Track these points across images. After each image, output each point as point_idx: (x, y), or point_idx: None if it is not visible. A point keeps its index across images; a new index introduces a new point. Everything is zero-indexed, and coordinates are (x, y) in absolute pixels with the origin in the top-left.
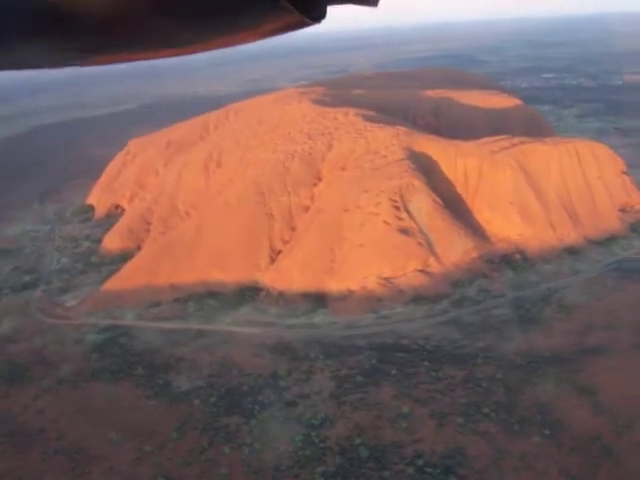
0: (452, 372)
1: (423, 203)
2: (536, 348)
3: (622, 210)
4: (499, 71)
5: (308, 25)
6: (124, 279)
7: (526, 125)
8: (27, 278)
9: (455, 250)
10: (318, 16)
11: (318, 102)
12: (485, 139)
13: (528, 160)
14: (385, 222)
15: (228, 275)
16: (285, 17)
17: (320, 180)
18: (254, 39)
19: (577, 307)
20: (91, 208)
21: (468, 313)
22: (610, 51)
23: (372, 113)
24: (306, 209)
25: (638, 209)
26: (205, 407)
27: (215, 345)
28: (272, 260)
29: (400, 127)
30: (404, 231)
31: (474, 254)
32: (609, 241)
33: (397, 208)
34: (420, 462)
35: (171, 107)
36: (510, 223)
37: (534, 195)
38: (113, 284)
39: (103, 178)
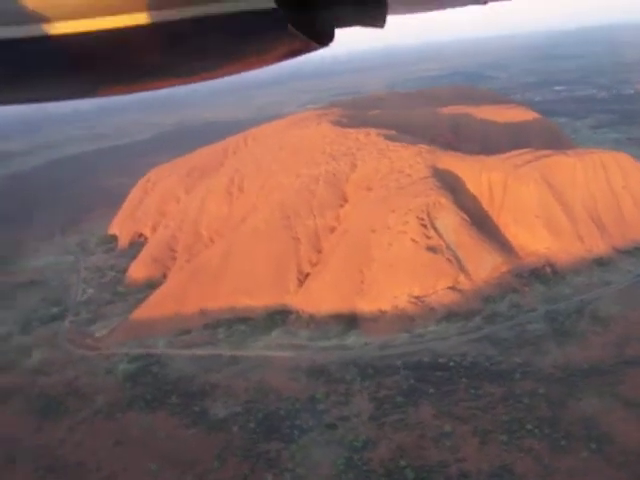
0: (491, 389)
1: (450, 220)
2: (574, 361)
3: None
4: (509, 86)
5: (316, 49)
6: (152, 307)
7: (545, 138)
8: (55, 310)
9: (484, 266)
10: (326, 40)
11: (337, 123)
12: (509, 153)
13: (553, 173)
14: (413, 240)
15: (256, 300)
16: (293, 42)
17: (345, 201)
18: (263, 65)
19: (612, 318)
20: (114, 238)
21: (502, 329)
22: (619, 61)
23: (393, 133)
24: (332, 230)
25: None
26: (244, 433)
27: (249, 370)
28: (300, 283)
29: (422, 145)
30: (432, 249)
31: (503, 269)
32: (638, 251)
33: (424, 226)
34: None
35: (183, 136)
36: (537, 236)
37: (560, 207)
38: (142, 313)
39: (125, 207)
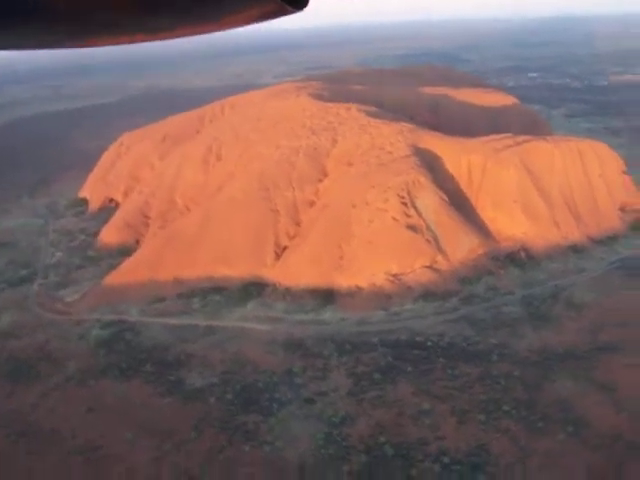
0: (468, 369)
1: (430, 200)
2: (549, 345)
3: (621, 209)
4: (483, 70)
5: (291, 13)
6: (126, 273)
7: (523, 124)
8: (23, 272)
9: (461, 247)
10: (300, 4)
11: (317, 97)
12: (488, 137)
13: (531, 158)
14: (394, 218)
15: (233, 270)
16: (267, 4)
17: (325, 175)
18: (236, 25)
19: (586, 305)
20: (84, 201)
21: (478, 310)
22: (592, 52)
23: (374, 109)
24: (311, 204)
25: (637, 208)
26: (221, 405)
27: (225, 341)
28: (277, 256)
29: (404, 123)
30: (412, 228)
31: (480, 251)
32: (611, 240)
33: (405, 204)
34: (446, 459)
35: (156, 100)
36: (514, 221)
37: (538, 193)
38: (114, 279)
39: (96, 171)
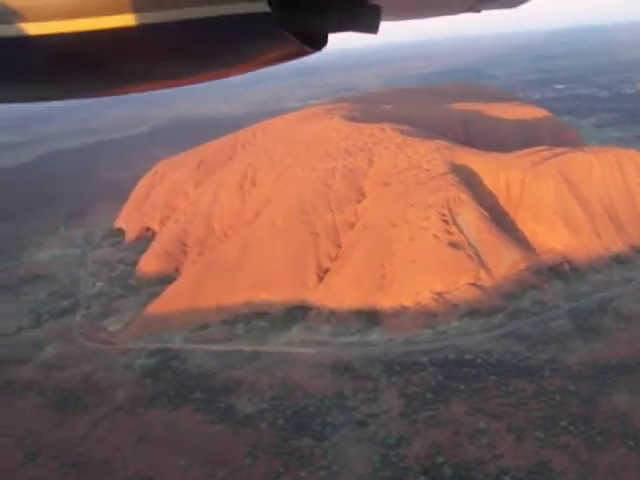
0: (521, 385)
1: (470, 216)
2: (601, 358)
3: None
4: (509, 84)
5: (310, 53)
6: (168, 302)
7: (556, 136)
8: (65, 303)
9: (504, 262)
10: (320, 44)
11: (349, 118)
12: (525, 150)
13: (570, 170)
14: (435, 236)
15: (275, 295)
16: (287, 46)
17: (363, 196)
18: (256, 68)
19: (636, 316)
20: (120, 231)
21: (525, 325)
22: (616, 60)
23: (407, 128)
24: (351, 226)
25: None
26: (273, 430)
27: (272, 366)
28: (320, 278)
29: (439, 141)
30: (454, 245)
31: (522, 266)
32: None
33: (446, 222)
34: (507, 479)
35: (183, 129)
36: (555, 233)
37: (578, 204)
38: (157, 307)
39: (131, 200)
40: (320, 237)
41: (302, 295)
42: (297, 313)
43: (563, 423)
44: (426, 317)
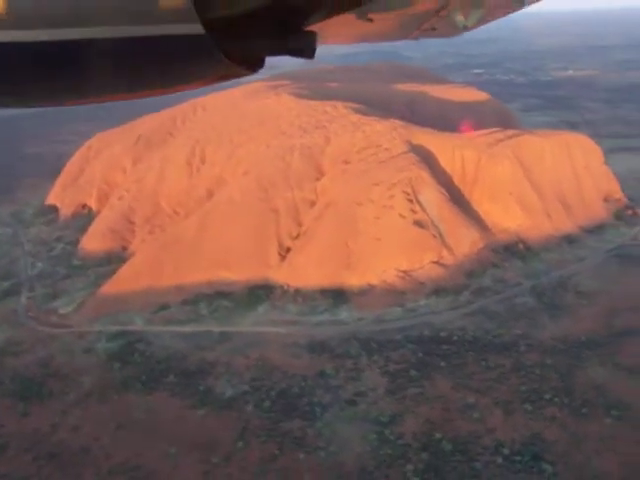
0: (500, 361)
1: (432, 195)
2: (571, 333)
3: (605, 199)
4: (428, 67)
5: (246, 75)
6: (123, 282)
7: (498, 119)
8: (6, 284)
9: (464, 241)
10: (256, 67)
11: (298, 95)
12: (479, 131)
13: (523, 152)
14: (400, 215)
15: (236, 274)
16: (222, 68)
17: (322, 174)
18: (190, 88)
19: (596, 292)
20: (53, 209)
21: (492, 303)
22: (530, 48)
23: (359, 106)
24: (312, 204)
25: (618, 198)
26: (261, 413)
27: (245, 347)
28: (281, 257)
29: (395, 120)
30: (419, 224)
31: (481, 245)
32: (600, 229)
33: (410, 201)
34: (505, 451)
35: (110, 104)
36: (510, 214)
37: (530, 186)
38: (111, 287)
39: (64, 176)
40: (280, 215)
41: (265, 274)
42: (261, 292)
43: (547, 396)
44: (394, 295)
